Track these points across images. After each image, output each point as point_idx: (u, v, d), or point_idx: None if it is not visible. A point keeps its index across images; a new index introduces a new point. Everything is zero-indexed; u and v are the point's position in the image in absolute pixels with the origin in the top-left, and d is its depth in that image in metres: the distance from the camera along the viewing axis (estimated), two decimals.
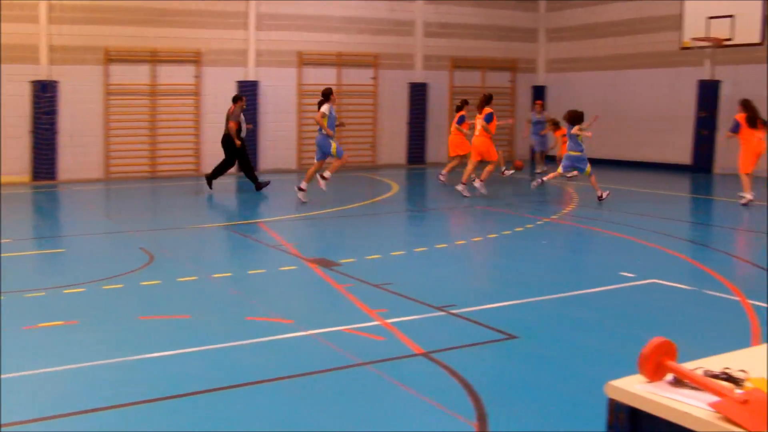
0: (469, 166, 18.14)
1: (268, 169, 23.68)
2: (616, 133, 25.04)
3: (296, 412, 5.52)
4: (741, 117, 17.15)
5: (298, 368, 6.38)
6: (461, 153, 19.67)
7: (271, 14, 23.67)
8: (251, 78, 23.43)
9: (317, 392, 5.91)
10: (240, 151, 18.97)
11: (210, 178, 19.11)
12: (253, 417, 5.43)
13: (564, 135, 20.73)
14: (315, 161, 17.06)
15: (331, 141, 16.55)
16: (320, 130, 16.67)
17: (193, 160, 23.12)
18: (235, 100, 19.10)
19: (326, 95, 16.76)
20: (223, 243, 12.86)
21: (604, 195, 16.80)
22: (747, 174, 16.80)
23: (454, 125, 19.93)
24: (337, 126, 17.02)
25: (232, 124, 18.74)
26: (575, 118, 17.04)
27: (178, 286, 9.34)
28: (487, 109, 18.14)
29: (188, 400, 5.72)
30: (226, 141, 19.00)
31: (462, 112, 19.92)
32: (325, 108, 16.42)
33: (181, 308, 8.28)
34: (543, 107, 22.86)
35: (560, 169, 17.16)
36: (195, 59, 22.76)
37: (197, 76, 22.82)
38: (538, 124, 22.49)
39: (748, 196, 16.49)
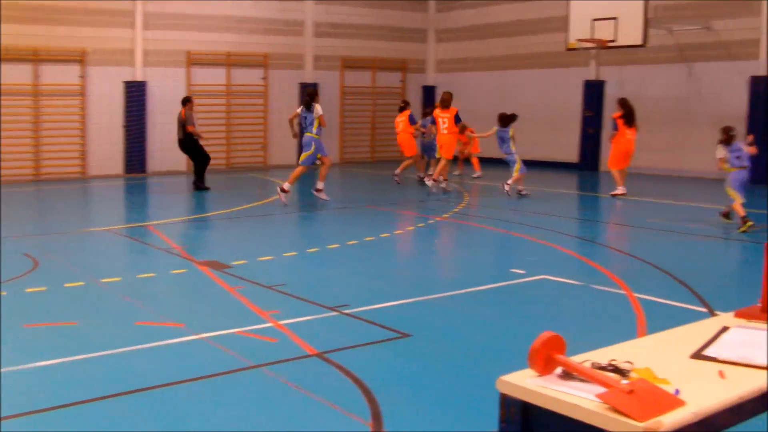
0: (442, 163, 18.54)
1: (157, 171, 23.31)
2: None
3: (189, 417, 5.44)
4: (618, 116, 17.62)
5: (190, 372, 6.29)
6: (412, 154, 20.24)
7: (158, 13, 23.28)
8: (139, 78, 23.01)
9: (210, 396, 5.84)
10: (198, 153, 19.37)
11: (199, 183, 19.28)
12: (144, 423, 5.33)
13: (474, 135, 21.20)
14: (324, 161, 16.88)
15: (312, 147, 16.36)
16: (315, 131, 16.35)
17: (79, 163, 22.55)
18: (185, 102, 19.26)
19: (313, 95, 16.41)
20: (112, 247, 12.58)
21: (510, 190, 17.54)
22: (619, 170, 17.48)
23: (407, 125, 20.16)
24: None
25: (192, 128, 19.00)
26: (509, 119, 17.82)
27: (65, 292, 9.09)
28: (455, 109, 18.58)
29: (77, 409, 5.57)
30: (185, 144, 19.21)
31: (408, 111, 20.52)
32: (320, 109, 16.25)
33: (68, 315, 8.07)
34: None
35: (517, 173, 17.65)
36: (79, 59, 22.21)
37: (82, 76, 22.27)
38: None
39: (620, 189, 17.42)
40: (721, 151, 13.59)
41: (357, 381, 6.05)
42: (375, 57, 28.04)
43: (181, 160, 23.88)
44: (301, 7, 26.20)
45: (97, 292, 9.17)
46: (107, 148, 22.71)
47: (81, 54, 22.18)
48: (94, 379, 6.14)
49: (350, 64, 27.53)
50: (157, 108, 23.31)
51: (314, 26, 26.55)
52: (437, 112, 18.68)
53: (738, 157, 13.50)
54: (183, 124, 18.95)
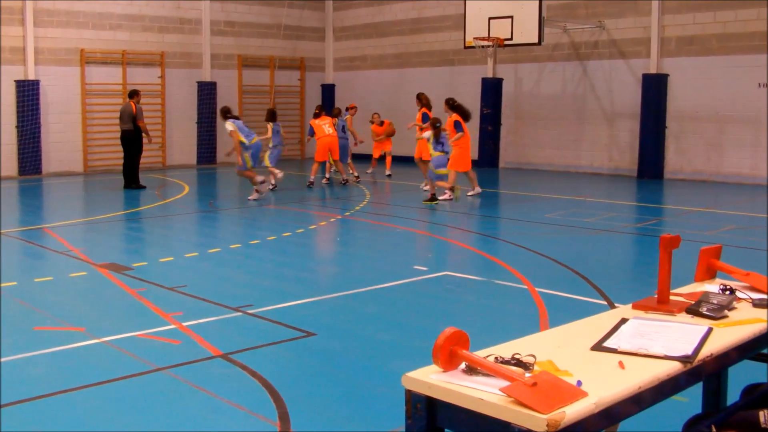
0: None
1: (53, 172, 22.77)
2: (402, 130, 25.50)
3: (91, 424, 5.34)
4: (459, 118, 17.11)
5: (92, 378, 6.17)
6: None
7: (49, 10, 22.73)
8: (31, 77, 22.42)
9: (112, 401, 5.74)
10: (140, 149, 19.28)
11: (132, 183, 19.15)
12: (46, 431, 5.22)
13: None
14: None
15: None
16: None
17: None
18: (132, 95, 19.11)
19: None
20: (7, 251, 12.20)
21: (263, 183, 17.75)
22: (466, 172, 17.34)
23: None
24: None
25: (142, 123, 19.06)
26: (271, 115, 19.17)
27: None
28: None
29: None
30: (131, 137, 19.09)
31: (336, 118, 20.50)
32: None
33: None
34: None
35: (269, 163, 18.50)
36: None
37: None
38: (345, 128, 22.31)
39: (479, 189, 17.46)
40: (429, 135, 16.36)
41: (263, 381, 6.02)
42: (273, 55, 27.90)
43: (77, 161, 23.43)
44: (196, 6, 25.90)
45: None
46: (7, 150, 22.09)
47: None
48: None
49: (248, 62, 27.34)
50: (50, 108, 22.77)
51: (211, 24, 26.28)
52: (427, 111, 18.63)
53: (441, 144, 16.32)
54: (133, 117, 18.81)
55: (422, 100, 19.01)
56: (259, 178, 17.01)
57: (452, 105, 17.32)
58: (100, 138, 23.59)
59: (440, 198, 16.54)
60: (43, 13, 22.61)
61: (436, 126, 16.47)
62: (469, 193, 17.53)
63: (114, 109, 23.56)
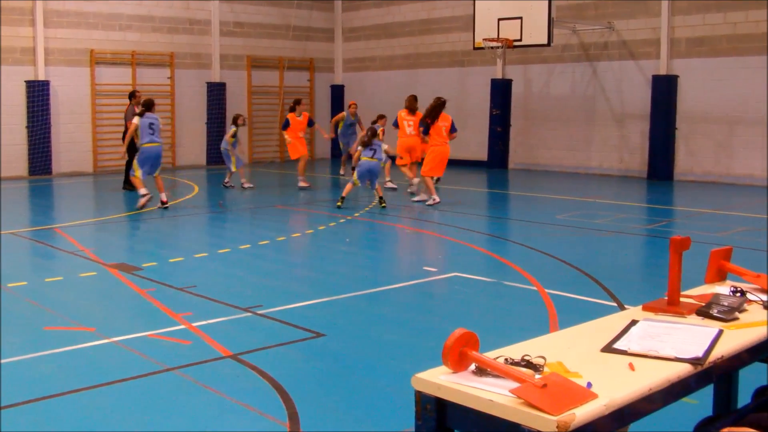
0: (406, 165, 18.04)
1: (63, 173, 22.82)
2: None
3: (101, 423, 5.35)
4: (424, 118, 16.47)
5: (101, 377, 6.18)
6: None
7: (59, 11, 22.78)
8: (41, 78, 22.48)
9: (122, 401, 5.75)
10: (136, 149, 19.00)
11: (129, 184, 18.82)
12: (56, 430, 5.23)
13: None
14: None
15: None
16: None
17: None
18: (131, 96, 19.04)
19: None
20: (16, 251, 12.23)
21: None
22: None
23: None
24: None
25: (130, 123, 18.37)
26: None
27: None
28: (421, 114, 17.58)
29: None
30: (123, 138, 18.82)
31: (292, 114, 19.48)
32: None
33: None
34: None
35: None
36: None
37: None
38: (352, 126, 22.14)
39: (437, 198, 16.40)
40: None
41: (272, 381, 6.03)
42: (282, 56, 27.93)
43: (87, 161, 23.49)
44: (205, 6, 25.95)
45: (3, 297, 8.94)
46: (10, 150, 22.13)
47: None
48: (2, 387, 5.99)
49: (257, 63, 27.38)
50: (60, 108, 22.83)
51: (220, 25, 26.32)
52: (403, 115, 17.97)
53: (374, 150, 15.96)
54: (126, 118, 18.81)
55: (405, 104, 18.37)
56: (142, 191, 15.70)
57: (412, 104, 17.35)
58: (110, 138, 23.61)
59: (416, 200, 16.73)
60: (52, 14, 22.67)
61: (369, 132, 16.22)
62: (414, 198, 16.88)
63: (123, 110, 23.62)
